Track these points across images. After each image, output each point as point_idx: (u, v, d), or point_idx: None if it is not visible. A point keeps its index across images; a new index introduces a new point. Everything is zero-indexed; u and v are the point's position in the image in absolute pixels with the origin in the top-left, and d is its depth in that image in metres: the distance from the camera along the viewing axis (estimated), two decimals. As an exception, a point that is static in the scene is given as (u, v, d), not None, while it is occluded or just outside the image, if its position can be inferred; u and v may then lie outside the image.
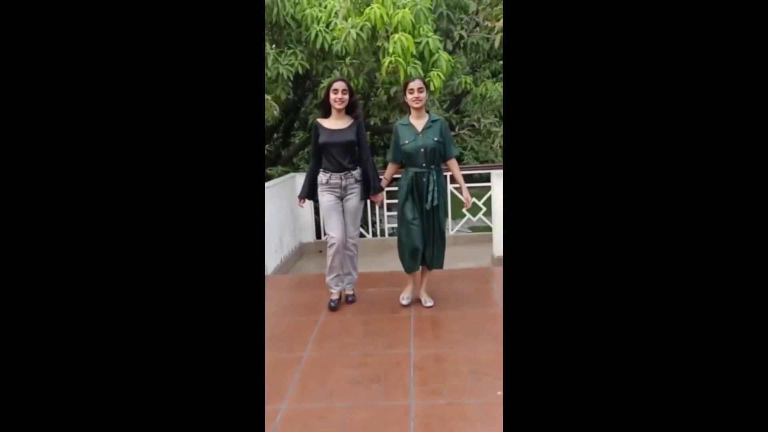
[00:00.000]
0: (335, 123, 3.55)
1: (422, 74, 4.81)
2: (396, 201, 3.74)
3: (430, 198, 3.45)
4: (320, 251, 6.21)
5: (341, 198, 3.60)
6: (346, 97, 3.50)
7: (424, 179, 3.44)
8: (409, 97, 3.44)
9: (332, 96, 3.47)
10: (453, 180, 4.64)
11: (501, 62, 6.87)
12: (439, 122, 3.54)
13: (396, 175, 3.76)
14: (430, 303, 3.68)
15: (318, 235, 6.42)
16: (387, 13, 4.69)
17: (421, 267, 3.65)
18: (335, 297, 3.73)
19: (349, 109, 3.56)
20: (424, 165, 3.45)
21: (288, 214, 5.74)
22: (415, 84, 3.44)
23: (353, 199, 3.60)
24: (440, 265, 3.66)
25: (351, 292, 3.85)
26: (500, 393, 2.55)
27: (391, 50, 4.58)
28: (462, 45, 6.51)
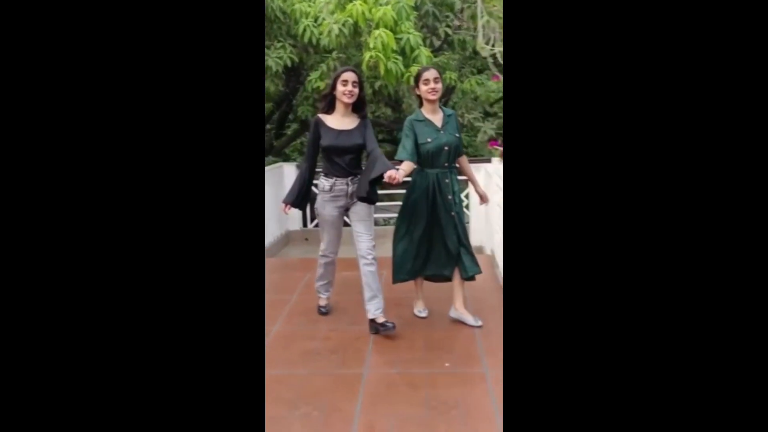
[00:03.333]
0: (341, 122, 3.06)
1: (403, 70, 5.00)
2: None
3: (458, 200, 3.15)
4: (306, 239, 6.43)
5: (347, 208, 3.14)
6: (357, 90, 3.01)
7: (447, 180, 3.08)
8: (423, 88, 3.02)
9: (341, 88, 2.98)
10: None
11: (485, 59, 7.05)
12: (454, 115, 3.19)
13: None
14: (480, 322, 3.20)
15: (304, 223, 6.63)
16: (369, 10, 4.88)
17: (454, 278, 3.24)
18: (324, 303, 3.47)
19: (357, 106, 3.08)
20: (446, 164, 3.09)
21: (273, 201, 5.94)
22: (431, 74, 3.02)
23: (362, 204, 3.08)
24: (480, 270, 3.24)
25: (384, 320, 3.08)
26: (448, 364, 2.77)
27: (371, 45, 4.77)
28: (449, 42, 6.69)
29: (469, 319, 3.21)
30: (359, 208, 3.09)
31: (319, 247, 3.36)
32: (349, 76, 2.99)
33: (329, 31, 5.01)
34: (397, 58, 4.96)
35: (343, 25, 4.96)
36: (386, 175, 2.79)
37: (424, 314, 3.38)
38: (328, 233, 3.21)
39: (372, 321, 3.11)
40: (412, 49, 5.08)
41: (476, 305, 3.47)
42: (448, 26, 6.35)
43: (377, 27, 4.90)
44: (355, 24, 4.99)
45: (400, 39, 5.04)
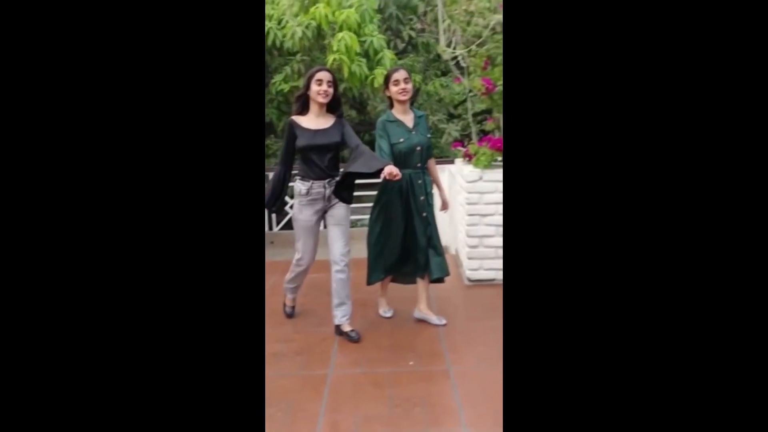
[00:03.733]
0: (316, 122, 2.98)
1: (367, 72, 5.03)
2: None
3: (430, 201, 3.17)
4: (271, 242, 6.39)
5: (324, 211, 3.04)
6: (332, 90, 2.95)
7: (420, 181, 3.09)
8: (394, 89, 3.04)
9: (315, 87, 2.92)
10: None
11: (447, 61, 7.17)
12: (424, 116, 3.24)
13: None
14: (444, 321, 3.26)
15: (270, 226, 6.59)
16: (333, 13, 4.90)
17: (419, 279, 3.26)
18: (291, 303, 3.44)
19: (332, 106, 3.02)
20: (418, 165, 3.10)
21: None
22: (401, 74, 3.04)
23: (340, 207, 3.01)
24: (448, 272, 3.26)
25: (350, 328, 3.11)
26: (412, 363, 2.80)
27: (335, 48, 4.79)
28: (413, 45, 6.77)
29: (433, 318, 3.26)
30: (337, 212, 3.01)
31: (285, 250, 3.35)
32: (324, 75, 2.93)
33: (293, 34, 5.01)
34: (361, 61, 5.00)
35: (307, 27, 4.97)
36: (386, 171, 2.72)
37: (389, 315, 3.41)
38: (304, 242, 3.07)
39: (337, 326, 3.13)
40: (376, 52, 5.13)
41: (440, 304, 3.52)
42: (411, 29, 6.43)
43: (341, 29, 4.92)
44: (319, 26, 5.01)
45: (364, 41, 5.08)
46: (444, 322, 3.24)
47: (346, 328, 3.10)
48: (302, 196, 2.99)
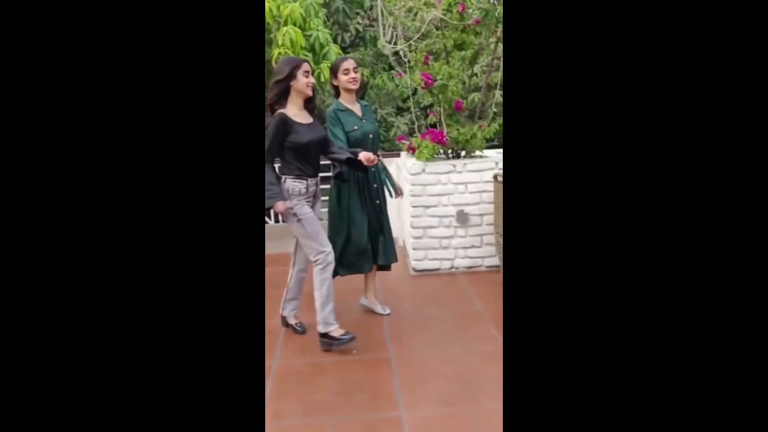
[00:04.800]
0: (302, 116, 2.80)
1: (313, 67, 5.05)
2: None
3: (386, 190, 3.27)
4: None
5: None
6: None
7: (373, 169, 3.15)
8: (344, 78, 3.05)
9: (304, 79, 2.71)
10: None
11: (388, 56, 7.25)
12: (369, 106, 3.33)
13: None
14: (388, 311, 3.36)
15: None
16: (277, 7, 4.90)
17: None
18: (339, 332, 2.91)
19: (308, 100, 2.87)
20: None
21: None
22: (350, 63, 3.06)
23: (319, 206, 2.99)
24: (395, 259, 3.37)
25: (295, 321, 3.17)
26: (355, 351, 2.88)
27: (280, 42, 4.80)
28: (361, 38, 6.82)
29: (378, 307, 3.35)
30: (317, 210, 2.97)
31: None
32: (309, 67, 2.77)
33: (236, 28, 4.98)
34: (306, 55, 5.02)
35: (251, 21, 4.95)
36: (363, 157, 2.77)
37: (387, 311, 3.39)
38: (319, 232, 2.84)
39: (284, 318, 3.18)
40: (322, 46, 5.17)
41: (386, 293, 3.62)
42: (358, 23, 6.48)
43: (285, 24, 4.93)
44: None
45: (310, 36, 5.11)
46: (388, 311, 3.33)
47: (292, 321, 3.15)
48: (300, 195, 2.81)
